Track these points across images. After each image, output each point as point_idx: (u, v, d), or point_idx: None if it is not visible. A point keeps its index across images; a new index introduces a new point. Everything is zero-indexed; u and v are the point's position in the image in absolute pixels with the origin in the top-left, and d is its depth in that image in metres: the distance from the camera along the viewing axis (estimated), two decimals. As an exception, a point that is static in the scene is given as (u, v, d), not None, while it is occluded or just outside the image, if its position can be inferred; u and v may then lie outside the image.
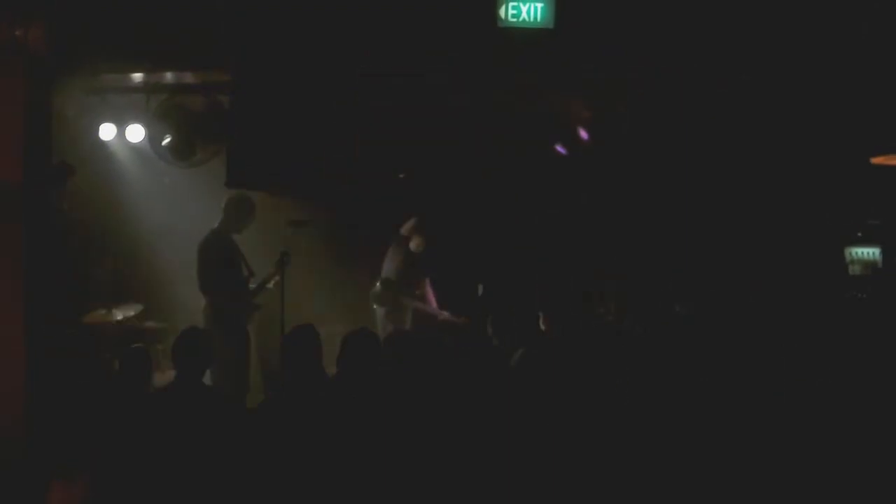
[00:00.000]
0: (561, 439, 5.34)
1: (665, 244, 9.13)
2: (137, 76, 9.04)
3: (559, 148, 9.60)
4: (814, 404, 6.09)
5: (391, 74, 8.36)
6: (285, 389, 5.78)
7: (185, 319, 9.70)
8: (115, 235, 10.28)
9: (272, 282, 8.63)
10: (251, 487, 5.24)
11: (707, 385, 6.01)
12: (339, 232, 10.32)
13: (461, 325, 9.39)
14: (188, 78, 9.14)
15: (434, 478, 5.15)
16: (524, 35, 7.91)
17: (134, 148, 10.08)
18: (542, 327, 7.16)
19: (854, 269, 8.83)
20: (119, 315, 9.47)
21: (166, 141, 9.62)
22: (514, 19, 7.91)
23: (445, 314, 9.60)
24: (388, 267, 9.72)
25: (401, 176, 10.20)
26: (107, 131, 9.73)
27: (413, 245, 9.63)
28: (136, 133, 9.73)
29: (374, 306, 9.73)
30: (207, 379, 6.28)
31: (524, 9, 7.88)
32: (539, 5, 7.86)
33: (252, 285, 8.67)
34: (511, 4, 7.88)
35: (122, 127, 9.73)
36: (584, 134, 9.24)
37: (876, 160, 8.41)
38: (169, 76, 9.10)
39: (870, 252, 8.87)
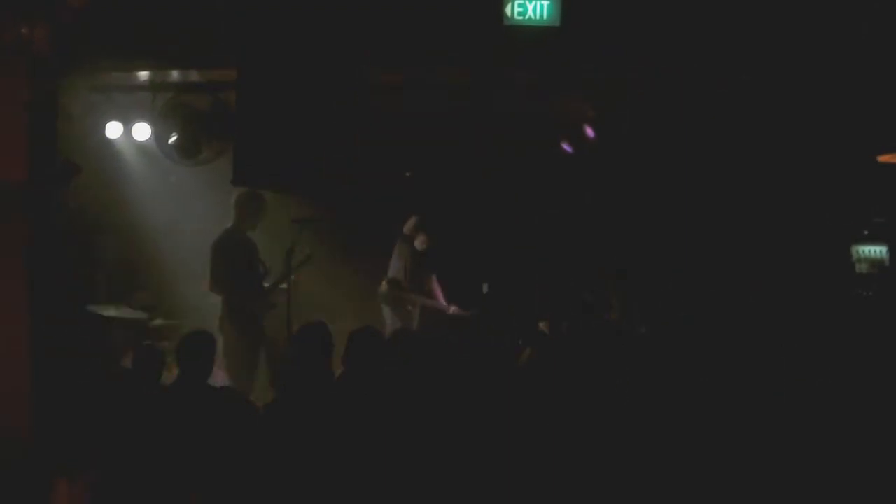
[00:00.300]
0: (567, 438, 5.33)
1: (670, 243, 9.11)
2: (143, 75, 9.05)
3: (565, 146, 9.59)
4: (820, 402, 6.08)
5: (396, 72, 8.38)
6: (292, 388, 5.78)
7: (192, 317, 9.74)
8: (122, 233, 10.28)
9: (290, 281, 8.66)
10: (255, 486, 5.24)
11: (713, 385, 5.99)
12: (344, 229, 10.31)
13: (470, 319, 9.41)
14: (194, 76, 9.16)
15: (438, 476, 5.14)
16: (530, 33, 7.89)
17: (140, 146, 10.10)
18: (545, 330, 7.16)
19: (861, 268, 8.80)
20: (126, 313, 9.48)
21: (172, 139, 9.63)
22: (521, 17, 7.89)
23: (454, 308, 9.63)
24: (395, 266, 9.73)
25: (407, 174, 10.22)
26: (113, 130, 9.75)
27: (418, 243, 9.65)
28: (142, 131, 9.74)
29: (383, 306, 9.76)
30: (218, 378, 6.30)
31: (530, 7, 7.86)
32: (545, 3, 7.84)
33: (266, 283, 8.70)
34: (517, 2, 7.87)
35: (128, 125, 9.75)
36: (590, 132, 9.22)
37: (882, 158, 8.38)
38: (174, 75, 9.11)
39: (876, 250, 8.84)
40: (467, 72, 8.38)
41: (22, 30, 6.73)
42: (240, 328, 8.47)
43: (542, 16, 7.86)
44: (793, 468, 5.42)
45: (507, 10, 7.87)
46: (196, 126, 9.52)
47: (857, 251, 8.84)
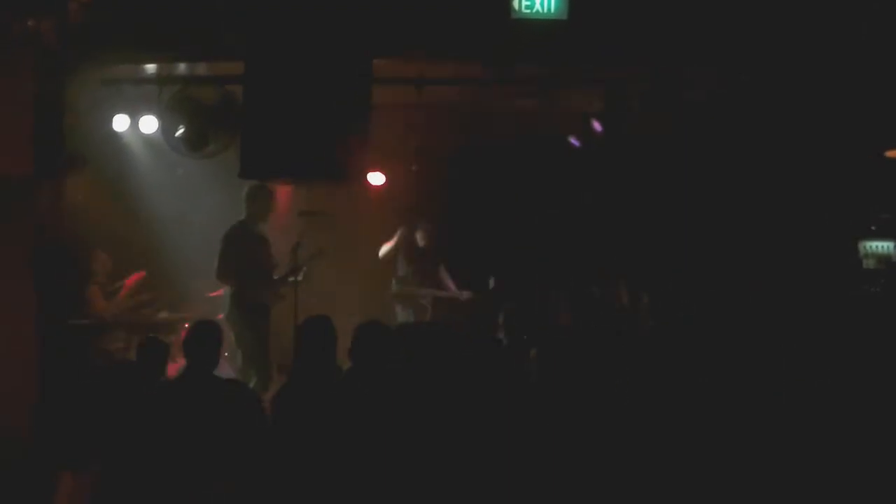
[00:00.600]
0: (569, 436, 5.31)
1: (675, 241, 9.08)
2: (150, 67, 9.04)
3: (573, 140, 9.57)
4: (828, 399, 6.06)
5: (403, 63, 8.36)
6: (295, 380, 5.78)
7: (198, 310, 9.76)
8: (129, 226, 10.29)
9: (300, 274, 8.69)
10: (255, 480, 5.24)
11: (720, 384, 5.97)
12: (351, 223, 10.31)
13: (483, 302, 9.44)
14: (201, 69, 9.14)
15: (440, 472, 5.13)
16: (537, 26, 7.86)
17: (147, 139, 10.09)
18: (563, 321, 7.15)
19: (868, 263, 8.78)
20: (132, 305, 9.52)
21: (179, 132, 9.62)
22: (528, 10, 7.87)
23: (466, 293, 9.65)
24: (401, 265, 9.81)
25: (413, 168, 10.21)
26: (120, 122, 9.74)
27: (419, 239, 9.72)
28: (149, 124, 9.74)
29: (395, 304, 9.82)
30: (224, 372, 6.30)
31: (538, 0, 7.84)
32: (553, -4, 7.83)
33: (276, 276, 8.72)
34: (525, -5, 7.85)
35: (135, 118, 9.74)
36: (597, 126, 9.20)
37: (890, 153, 8.36)
38: (181, 67, 9.10)
39: (884, 246, 8.82)
40: (474, 65, 8.36)
41: (29, 23, 6.73)
42: (247, 321, 8.51)
43: (549, 9, 7.84)
44: (800, 467, 5.39)
45: (515, 3, 7.84)
46: (203, 119, 9.48)
47: (865, 247, 8.81)
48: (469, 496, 5.09)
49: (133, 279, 9.73)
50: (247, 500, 5.28)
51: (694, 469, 5.25)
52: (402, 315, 9.80)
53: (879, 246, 8.80)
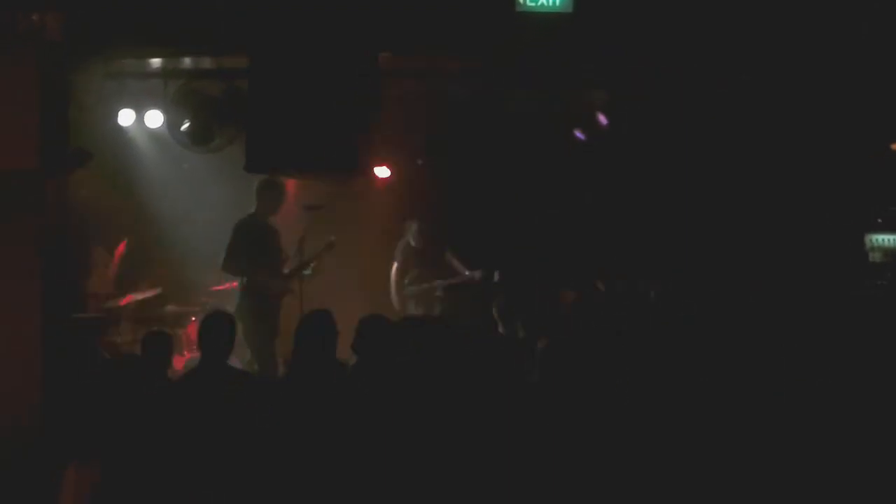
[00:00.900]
0: (570, 435, 5.29)
1: (682, 237, 9.06)
2: (155, 61, 9.04)
3: (578, 134, 9.56)
4: (835, 395, 6.03)
5: (408, 58, 8.35)
6: (296, 375, 5.77)
7: (204, 304, 9.78)
8: (135, 220, 10.31)
9: (310, 268, 8.70)
10: (251, 477, 5.23)
11: (722, 384, 5.94)
12: (357, 216, 10.32)
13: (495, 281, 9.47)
14: (206, 63, 9.14)
15: (440, 473, 5.11)
16: (542, 20, 7.84)
17: (152, 134, 10.10)
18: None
19: (875, 257, 8.74)
20: (138, 298, 9.54)
21: (185, 126, 9.62)
22: (533, 4, 7.84)
23: (478, 272, 9.67)
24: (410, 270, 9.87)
25: (419, 163, 10.22)
26: (125, 117, 9.76)
27: (413, 241, 9.77)
28: (154, 119, 9.75)
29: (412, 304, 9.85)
30: (234, 362, 6.30)
31: (543, -7, 7.83)
32: (558, -11, 7.80)
33: (286, 270, 8.75)
34: (529, -12, 7.83)
35: (140, 113, 9.75)
36: (602, 119, 9.18)
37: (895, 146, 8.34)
38: (187, 61, 9.09)
39: (891, 239, 8.78)
40: (479, 59, 8.34)
41: (33, 17, 6.73)
42: (256, 315, 8.50)
43: (554, 2, 7.82)
44: (805, 467, 5.36)
45: (520, -5, 7.83)
46: (208, 113, 9.49)
47: (871, 240, 8.78)
48: (472, 493, 5.07)
49: (120, 249, 9.77)
50: (247, 497, 5.27)
51: (695, 469, 5.23)
52: (412, 310, 9.82)
53: (886, 239, 8.77)
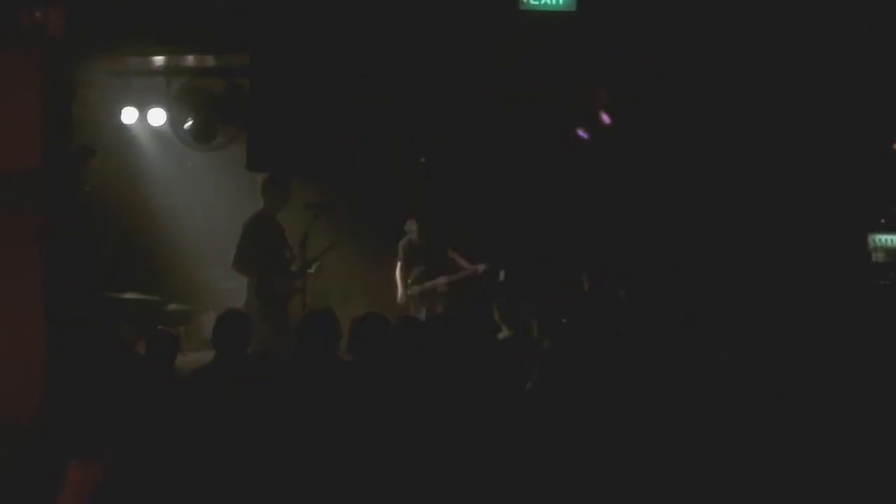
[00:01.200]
0: (571, 434, 5.29)
1: (682, 237, 9.05)
2: (158, 59, 9.05)
3: (581, 132, 9.54)
4: (837, 395, 6.02)
5: (412, 57, 8.34)
6: (296, 374, 5.77)
7: (206, 302, 9.78)
8: (138, 218, 10.31)
9: (313, 267, 8.70)
10: (254, 476, 5.22)
11: (723, 384, 5.93)
12: (360, 214, 10.32)
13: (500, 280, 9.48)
14: (209, 61, 9.15)
15: (438, 474, 5.11)
16: (546, 17, 7.84)
17: (155, 132, 10.11)
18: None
19: (877, 257, 8.72)
20: (141, 297, 9.53)
21: (188, 124, 9.64)
22: (536, 2, 7.84)
23: (482, 266, 9.66)
24: (412, 268, 9.87)
25: (422, 160, 10.21)
26: (129, 115, 9.76)
27: (414, 235, 9.76)
28: (157, 117, 9.75)
29: (418, 307, 9.86)
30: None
31: (546, -9, 7.83)
32: (561, -12, 7.80)
33: (293, 268, 8.76)
34: (533, -13, 7.83)
35: (143, 111, 9.76)
36: (605, 118, 9.18)
37: (897, 145, 8.34)
38: (189, 59, 9.10)
39: (893, 239, 8.75)
40: (482, 57, 8.33)
41: (36, 14, 6.71)
42: (266, 313, 8.48)
43: (558, 0, 7.82)
44: (807, 469, 5.35)
45: (523, -7, 7.83)
46: (211, 110, 9.52)
47: (874, 240, 8.75)
48: (472, 493, 5.06)
49: None
50: (248, 497, 5.26)
51: (696, 469, 5.23)
52: (421, 314, 9.81)
53: (889, 239, 8.74)
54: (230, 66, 8.92)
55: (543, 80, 8.69)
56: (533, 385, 5.88)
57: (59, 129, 7.03)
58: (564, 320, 7.81)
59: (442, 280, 9.78)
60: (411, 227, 9.86)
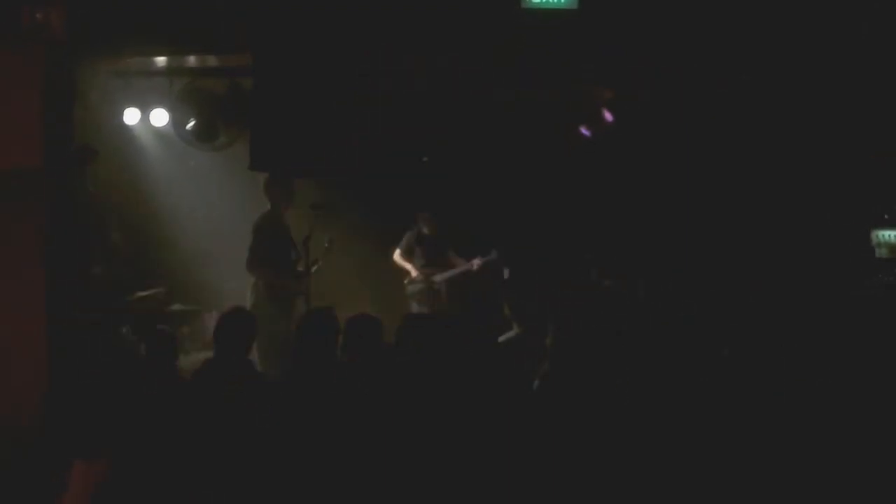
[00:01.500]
0: (571, 434, 5.27)
1: (682, 236, 9.04)
2: (160, 60, 9.04)
3: (583, 130, 9.53)
4: (841, 392, 6.00)
5: (413, 56, 8.33)
6: (296, 374, 5.76)
7: (209, 302, 9.78)
8: (140, 219, 10.31)
9: (314, 267, 8.70)
10: (255, 476, 5.22)
11: (724, 385, 5.91)
12: (362, 214, 10.31)
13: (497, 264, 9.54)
14: (211, 61, 9.14)
15: (439, 474, 5.09)
16: (549, 16, 7.82)
17: (158, 132, 10.11)
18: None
19: (881, 252, 8.68)
20: (143, 297, 9.52)
21: (190, 124, 9.64)
22: (539, 0, 7.83)
23: (477, 261, 9.67)
24: (416, 259, 9.87)
25: (424, 160, 10.20)
26: (131, 116, 9.76)
27: (423, 229, 9.78)
28: (159, 117, 9.76)
29: (412, 303, 9.86)
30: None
31: (548, -11, 7.81)
32: (564, -14, 7.79)
33: (300, 268, 8.76)
34: (535, -15, 7.81)
35: (145, 111, 9.76)
36: (608, 116, 9.16)
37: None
38: (191, 59, 9.10)
39: (896, 235, 8.73)
40: (484, 56, 8.32)
41: (37, 14, 6.71)
42: (274, 313, 8.46)
43: (560, -1, 7.81)
44: (808, 469, 5.32)
45: (526, -9, 7.81)
46: (213, 111, 9.52)
47: (877, 235, 8.72)
48: (472, 493, 5.05)
49: None
50: (248, 497, 5.26)
51: (696, 469, 5.21)
52: (418, 311, 9.82)
53: (892, 235, 8.70)
54: (232, 67, 8.91)
55: (545, 79, 8.67)
56: (540, 383, 5.86)
57: (59, 130, 7.04)
58: (569, 318, 7.80)
59: (438, 278, 9.83)
60: (422, 216, 9.88)
